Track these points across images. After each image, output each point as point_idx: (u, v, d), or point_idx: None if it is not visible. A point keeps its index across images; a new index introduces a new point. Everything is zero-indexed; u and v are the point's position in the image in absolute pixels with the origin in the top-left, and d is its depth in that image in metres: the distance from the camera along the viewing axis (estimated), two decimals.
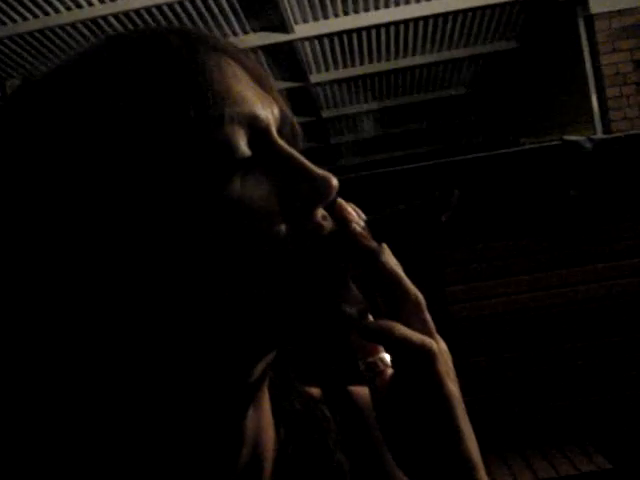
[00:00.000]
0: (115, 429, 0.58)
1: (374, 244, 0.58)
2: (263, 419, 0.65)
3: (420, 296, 0.60)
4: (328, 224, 0.57)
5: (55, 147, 0.53)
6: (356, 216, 0.59)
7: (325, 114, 8.64)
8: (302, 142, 0.63)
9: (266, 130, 0.56)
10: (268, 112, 0.57)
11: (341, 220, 0.57)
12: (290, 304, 0.54)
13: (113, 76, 0.54)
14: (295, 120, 0.62)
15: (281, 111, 0.60)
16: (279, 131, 0.58)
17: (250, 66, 0.59)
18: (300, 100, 8.03)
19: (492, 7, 6.27)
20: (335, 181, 0.56)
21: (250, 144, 0.55)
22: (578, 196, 4.04)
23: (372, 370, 0.62)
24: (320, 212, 0.56)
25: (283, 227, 0.53)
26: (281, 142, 0.57)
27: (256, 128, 0.55)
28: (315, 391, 0.77)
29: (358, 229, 0.57)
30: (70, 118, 0.53)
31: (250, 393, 0.60)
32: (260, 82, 0.59)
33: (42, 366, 0.55)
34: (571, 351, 4.57)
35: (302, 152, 0.58)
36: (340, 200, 0.58)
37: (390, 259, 0.59)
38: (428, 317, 0.60)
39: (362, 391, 0.77)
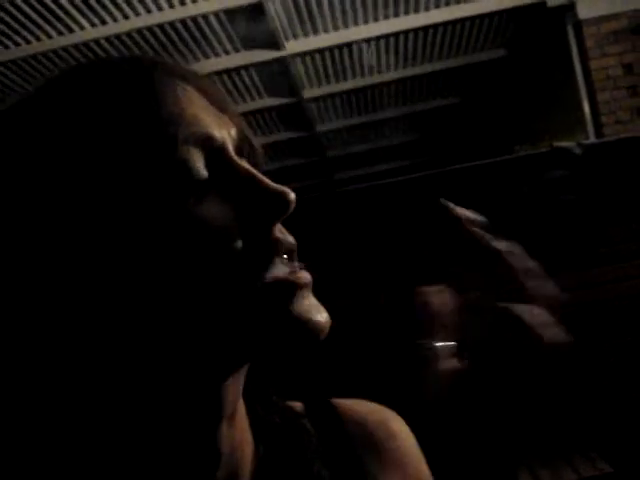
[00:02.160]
0: (96, 438, 0.59)
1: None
2: (240, 435, 0.65)
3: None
4: (286, 238, 0.58)
5: (18, 176, 0.55)
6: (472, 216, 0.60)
7: (319, 128, 8.66)
8: (262, 161, 0.64)
9: (222, 149, 0.58)
10: (224, 132, 0.59)
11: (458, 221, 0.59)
12: (249, 319, 0.54)
13: (69, 107, 0.55)
14: (254, 141, 0.64)
15: (239, 132, 0.61)
16: (238, 151, 0.60)
17: (206, 89, 0.61)
18: (293, 115, 8.06)
19: (481, 17, 6.30)
20: (292, 195, 0.57)
21: (207, 164, 0.56)
22: (569, 202, 4.06)
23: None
24: (278, 227, 0.58)
25: (240, 244, 0.54)
26: (238, 160, 0.58)
27: (212, 148, 0.57)
28: (297, 405, 0.77)
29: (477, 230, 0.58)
30: (30, 148, 0.55)
31: (224, 409, 0.61)
32: (217, 104, 0.61)
33: (36, 370, 0.56)
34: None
35: (263, 171, 0.60)
36: (454, 206, 0.60)
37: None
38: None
39: (347, 404, 0.78)
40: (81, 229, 0.53)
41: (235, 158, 0.58)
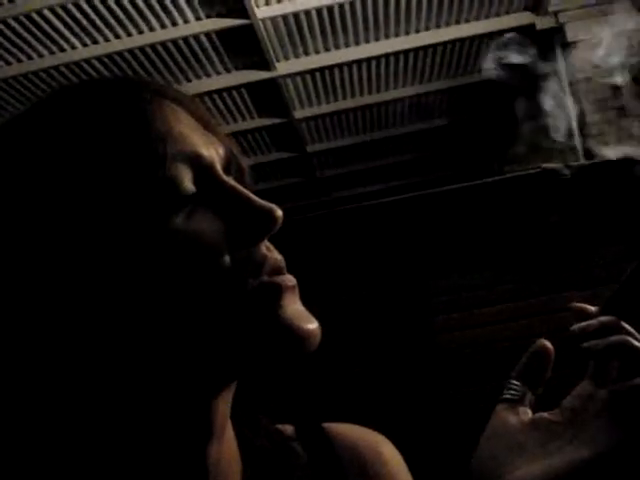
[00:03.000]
0: (88, 446, 0.59)
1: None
2: (227, 454, 0.65)
3: None
4: (273, 256, 0.58)
5: (9, 194, 0.55)
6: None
7: (310, 149, 8.67)
8: (250, 181, 0.65)
9: (210, 167, 0.59)
10: (212, 151, 0.60)
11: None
12: (237, 328, 0.55)
13: (60, 125, 0.56)
14: (242, 160, 0.65)
15: (226, 151, 0.62)
16: (226, 169, 0.61)
17: (194, 110, 0.62)
18: (285, 136, 8.07)
19: (471, 39, 6.35)
20: (279, 213, 0.58)
21: (195, 181, 0.57)
22: (558, 223, 4.08)
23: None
24: (265, 245, 0.58)
25: (228, 259, 0.55)
26: (226, 178, 0.59)
27: (200, 166, 0.58)
28: (288, 428, 0.77)
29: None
30: (22, 166, 0.56)
31: (213, 427, 0.61)
32: (204, 124, 0.62)
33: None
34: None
35: (253, 191, 0.61)
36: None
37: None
38: None
39: (338, 428, 0.77)
40: (73, 243, 0.53)
41: (223, 176, 0.59)
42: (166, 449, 0.59)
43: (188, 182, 0.55)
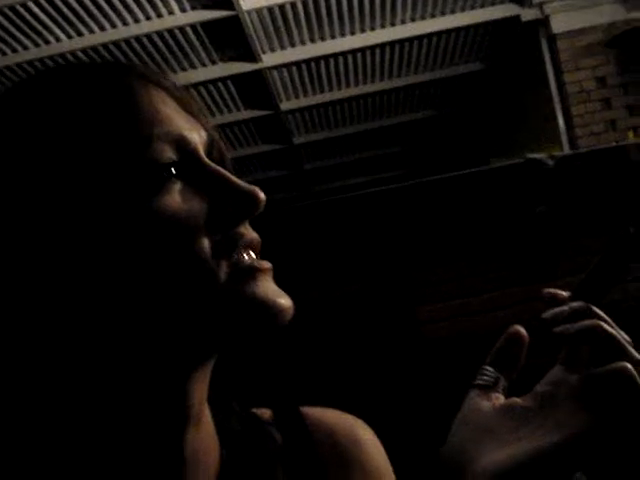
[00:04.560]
0: (61, 434, 0.59)
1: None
2: (205, 439, 0.65)
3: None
4: (250, 234, 0.59)
5: None
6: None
7: (297, 141, 8.67)
8: (232, 167, 0.65)
9: (193, 150, 0.59)
10: (195, 134, 0.60)
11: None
12: (213, 304, 0.55)
13: (47, 108, 0.57)
14: (223, 147, 0.66)
15: (209, 135, 0.63)
16: (208, 153, 0.62)
17: (178, 94, 0.63)
18: (271, 128, 8.06)
19: (457, 30, 6.35)
20: (261, 195, 0.59)
21: (179, 162, 0.58)
22: (542, 213, 4.09)
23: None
24: (244, 225, 0.59)
25: (207, 239, 0.56)
26: (208, 161, 0.60)
27: (184, 148, 0.59)
28: (266, 412, 0.77)
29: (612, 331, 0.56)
30: (5, 145, 0.56)
31: (189, 411, 0.61)
32: (188, 109, 0.63)
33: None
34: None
35: (232, 173, 0.61)
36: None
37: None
38: None
39: (315, 412, 0.77)
40: (56, 221, 0.54)
41: (206, 159, 0.60)
42: (143, 435, 0.59)
43: (172, 162, 0.56)
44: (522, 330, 0.62)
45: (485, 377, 0.60)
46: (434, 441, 0.79)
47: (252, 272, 0.57)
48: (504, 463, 0.52)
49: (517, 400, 0.58)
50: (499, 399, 0.59)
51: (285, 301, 0.58)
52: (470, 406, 0.59)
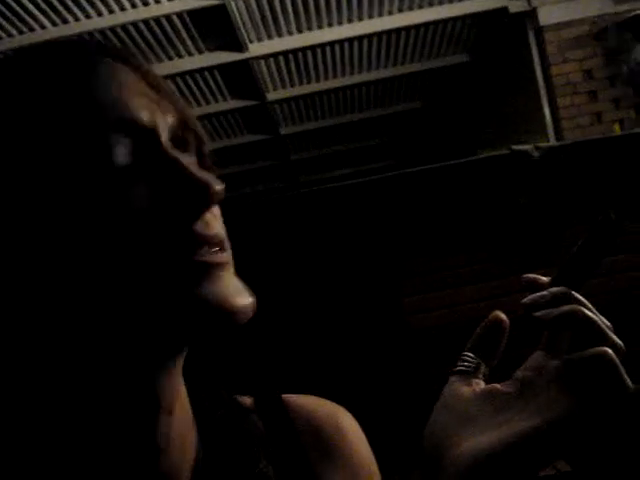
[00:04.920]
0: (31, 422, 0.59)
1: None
2: (179, 426, 0.64)
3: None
4: (211, 231, 0.57)
5: None
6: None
7: (283, 131, 8.66)
8: (206, 149, 0.63)
9: (151, 135, 0.57)
10: (158, 118, 0.58)
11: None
12: (162, 302, 0.54)
13: (5, 83, 0.56)
14: (199, 130, 0.63)
15: (179, 117, 0.60)
16: (175, 138, 0.59)
17: (145, 73, 0.60)
18: (258, 118, 8.04)
19: (444, 22, 6.35)
20: (218, 187, 0.56)
21: (134, 149, 0.55)
22: (527, 204, 4.11)
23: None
24: (207, 217, 0.57)
25: (159, 236, 0.54)
26: (166, 147, 0.57)
27: (141, 134, 0.56)
28: (247, 400, 0.76)
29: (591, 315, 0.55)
30: None
31: (160, 400, 0.60)
32: (156, 89, 0.60)
33: None
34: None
35: (210, 162, 0.61)
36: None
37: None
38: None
39: (297, 399, 0.77)
40: (11, 201, 0.54)
41: (164, 145, 0.57)
42: (115, 424, 0.59)
43: (125, 150, 0.54)
44: (502, 316, 0.62)
45: (465, 363, 0.60)
46: (417, 428, 0.78)
47: (206, 269, 0.55)
48: (484, 448, 0.52)
49: (497, 386, 0.58)
50: (479, 385, 0.59)
51: (243, 299, 0.56)
52: (450, 392, 0.59)
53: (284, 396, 0.77)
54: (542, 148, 3.88)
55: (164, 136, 0.57)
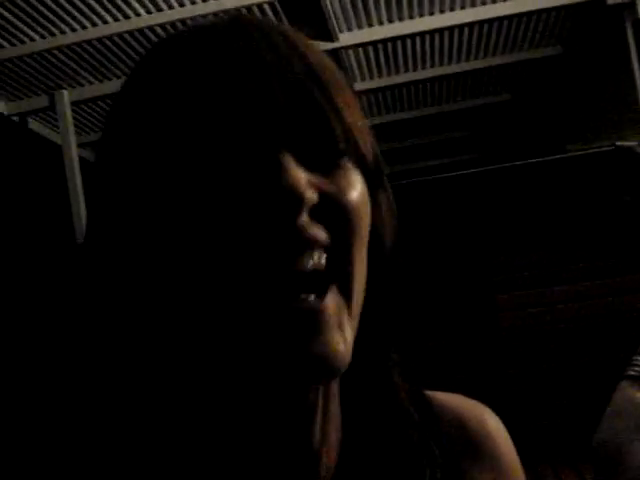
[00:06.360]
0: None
1: None
2: (330, 424, 0.63)
3: None
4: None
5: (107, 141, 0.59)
6: None
7: (370, 122, 8.62)
8: None
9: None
10: None
11: None
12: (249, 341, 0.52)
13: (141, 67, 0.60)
14: None
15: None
16: None
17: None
18: None
19: (538, 12, 6.21)
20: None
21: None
22: (632, 202, 3.98)
23: None
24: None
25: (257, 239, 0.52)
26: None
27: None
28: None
29: None
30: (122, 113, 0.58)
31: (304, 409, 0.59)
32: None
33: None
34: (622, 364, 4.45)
35: None
36: None
37: None
38: None
39: (441, 397, 0.74)
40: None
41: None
42: (262, 420, 0.58)
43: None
44: None
45: (637, 368, 0.58)
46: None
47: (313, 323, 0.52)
48: None
49: None
50: None
51: (338, 350, 0.53)
52: (623, 397, 0.57)
53: (427, 393, 0.75)
54: None
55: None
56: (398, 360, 0.69)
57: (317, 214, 0.53)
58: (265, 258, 0.50)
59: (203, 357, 0.55)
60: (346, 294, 0.55)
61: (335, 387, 0.64)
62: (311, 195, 0.51)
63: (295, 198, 0.50)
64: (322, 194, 0.54)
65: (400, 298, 0.59)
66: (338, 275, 0.54)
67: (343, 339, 0.53)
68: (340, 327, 0.53)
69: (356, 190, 0.57)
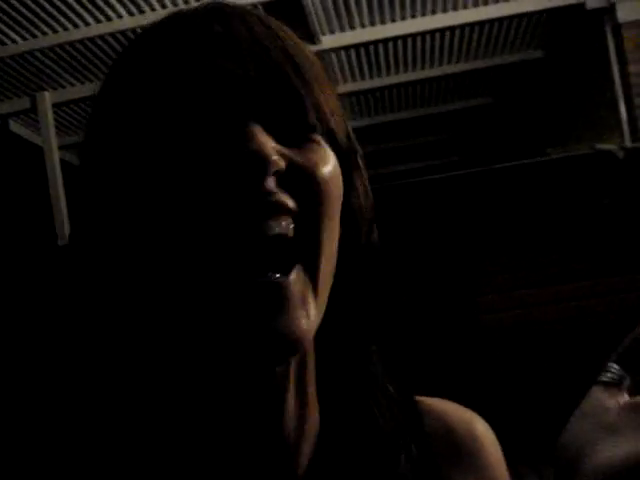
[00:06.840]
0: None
1: None
2: (306, 409, 0.64)
3: None
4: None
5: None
6: None
7: (352, 125, 8.63)
8: None
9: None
10: None
11: None
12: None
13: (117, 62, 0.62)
14: None
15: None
16: None
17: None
18: None
19: (518, 17, 6.25)
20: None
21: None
22: (611, 205, 4.02)
23: None
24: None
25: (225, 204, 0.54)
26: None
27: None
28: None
29: None
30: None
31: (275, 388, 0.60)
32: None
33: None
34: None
35: None
36: None
37: None
38: None
39: (428, 401, 0.75)
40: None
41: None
42: (234, 401, 0.59)
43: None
44: None
45: (610, 374, 0.59)
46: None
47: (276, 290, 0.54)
48: (621, 461, 0.51)
49: None
50: (623, 398, 0.57)
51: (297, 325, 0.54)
52: (592, 401, 0.58)
53: (416, 396, 0.75)
54: (627, 148, 3.80)
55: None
56: (377, 353, 0.69)
57: (286, 184, 0.54)
58: (233, 223, 0.51)
59: (185, 342, 0.57)
60: (312, 272, 0.56)
61: (311, 373, 0.64)
62: (278, 160, 0.52)
63: (261, 161, 0.51)
64: (292, 165, 0.54)
65: (379, 285, 0.60)
66: (304, 247, 0.55)
67: (306, 316, 0.54)
68: (304, 304, 0.54)
69: (326, 164, 0.58)
